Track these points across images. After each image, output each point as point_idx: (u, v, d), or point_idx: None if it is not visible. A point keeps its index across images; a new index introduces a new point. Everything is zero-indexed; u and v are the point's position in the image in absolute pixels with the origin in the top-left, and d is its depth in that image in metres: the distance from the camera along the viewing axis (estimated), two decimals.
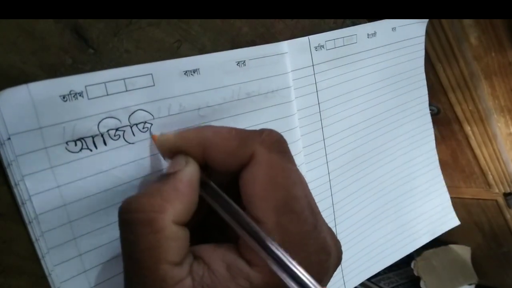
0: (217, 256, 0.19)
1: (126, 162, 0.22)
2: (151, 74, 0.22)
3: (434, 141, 0.42)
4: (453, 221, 0.45)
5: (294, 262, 0.18)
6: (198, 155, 0.20)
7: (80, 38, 0.21)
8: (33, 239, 0.20)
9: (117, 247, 0.22)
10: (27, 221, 0.20)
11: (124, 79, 0.21)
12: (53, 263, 0.20)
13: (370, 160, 0.36)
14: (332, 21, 0.32)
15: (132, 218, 0.18)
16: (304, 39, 0.29)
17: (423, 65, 0.39)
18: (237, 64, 0.25)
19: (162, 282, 0.17)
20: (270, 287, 0.18)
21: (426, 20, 0.37)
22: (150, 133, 0.23)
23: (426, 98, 0.40)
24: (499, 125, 0.47)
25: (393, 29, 0.35)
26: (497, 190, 0.51)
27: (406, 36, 0.36)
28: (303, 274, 0.17)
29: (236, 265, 0.18)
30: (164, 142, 0.21)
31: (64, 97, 0.20)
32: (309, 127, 0.31)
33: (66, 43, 0.21)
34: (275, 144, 0.20)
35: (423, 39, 0.38)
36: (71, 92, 0.20)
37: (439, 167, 0.43)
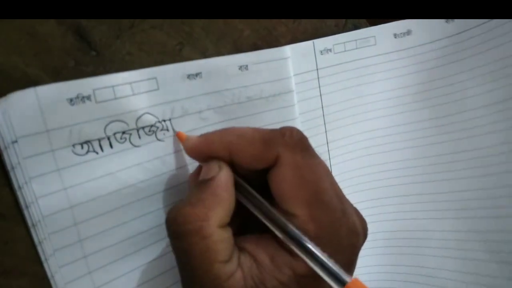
0: (260, 249, 0.20)
1: (132, 164, 0.22)
2: (155, 78, 0.22)
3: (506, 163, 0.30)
4: None
5: (323, 253, 0.19)
6: (225, 158, 0.21)
7: (83, 40, 0.21)
8: (37, 241, 0.20)
9: (122, 249, 0.22)
10: (30, 223, 0.20)
11: (130, 83, 0.22)
12: (58, 265, 0.20)
13: (381, 174, 0.34)
14: (333, 24, 0.32)
15: (182, 230, 0.19)
16: (309, 43, 0.29)
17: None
18: (239, 69, 0.25)
19: (217, 279, 0.19)
20: (313, 275, 0.19)
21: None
22: (174, 131, 0.23)
23: None
24: None
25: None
26: None
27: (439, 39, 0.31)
28: (332, 264, 0.19)
29: (279, 256, 0.20)
30: (190, 145, 0.22)
31: (71, 101, 0.20)
32: (312, 130, 0.31)
33: (68, 45, 0.21)
34: (298, 143, 0.21)
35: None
36: (79, 96, 0.20)
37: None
